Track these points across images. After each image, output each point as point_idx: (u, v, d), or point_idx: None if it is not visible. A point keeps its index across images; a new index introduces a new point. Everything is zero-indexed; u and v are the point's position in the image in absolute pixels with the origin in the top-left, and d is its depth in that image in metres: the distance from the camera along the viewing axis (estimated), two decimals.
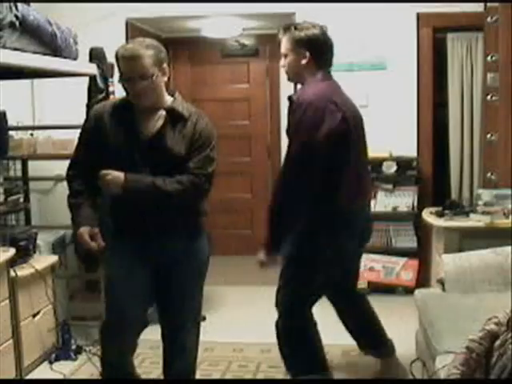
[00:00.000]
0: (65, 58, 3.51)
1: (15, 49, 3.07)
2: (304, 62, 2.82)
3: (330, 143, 2.67)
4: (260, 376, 3.44)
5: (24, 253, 3.50)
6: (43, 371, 3.50)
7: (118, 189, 2.45)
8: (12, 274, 3.29)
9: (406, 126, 4.89)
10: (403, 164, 4.82)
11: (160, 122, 2.51)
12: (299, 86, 2.97)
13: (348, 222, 2.85)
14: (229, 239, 6.01)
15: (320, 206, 2.80)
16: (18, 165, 4.33)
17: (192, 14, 5.14)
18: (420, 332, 3.18)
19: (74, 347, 3.70)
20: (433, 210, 4.23)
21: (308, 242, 2.84)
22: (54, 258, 3.80)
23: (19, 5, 3.07)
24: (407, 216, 4.84)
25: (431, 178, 4.99)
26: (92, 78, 3.90)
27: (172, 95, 2.59)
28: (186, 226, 2.60)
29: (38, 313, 3.55)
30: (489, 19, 4.23)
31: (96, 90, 3.91)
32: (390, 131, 4.70)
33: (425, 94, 4.94)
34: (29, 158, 4.24)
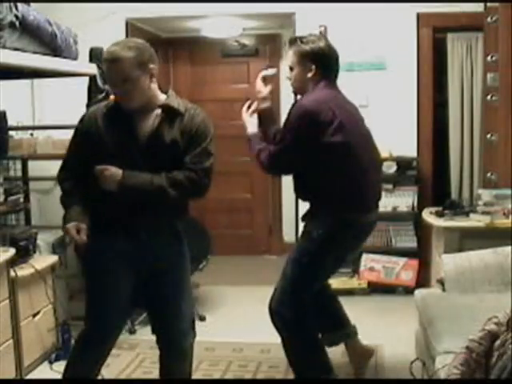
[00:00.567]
0: (65, 58, 3.51)
1: (15, 49, 3.08)
2: (310, 74, 2.88)
3: (321, 152, 2.74)
4: (260, 376, 3.44)
5: (24, 253, 3.50)
6: (43, 371, 3.49)
7: (116, 185, 2.42)
8: (12, 274, 3.29)
9: (406, 126, 4.89)
10: (403, 164, 4.81)
11: (157, 121, 2.49)
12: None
13: (355, 232, 2.92)
14: (229, 239, 6.01)
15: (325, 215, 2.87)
16: (18, 165, 4.33)
17: (192, 14, 5.14)
18: (420, 332, 3.18)
19: None
20: (433, 209, 4.23)
21: (316, 247, 2.88)
22: (53, 258, 3.80)
23: (19, 5, 3.07)
24: (407, 216, 4.85)
25: (431, 178, 5.00)
26: (92, 78, 3.90)
27: (165, 93, 2.57)
28: (172, 227, 2.59)
29: (38, 313, 3.55)
30: (489, 19, 4.23)
31: (96, 90, 3.91)
32: (390, 131, 4.69)
33: (425, 94, 4.94)
34: (29, 157, 4.25)
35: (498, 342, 1.88)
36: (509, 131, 4.10)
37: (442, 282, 3.30)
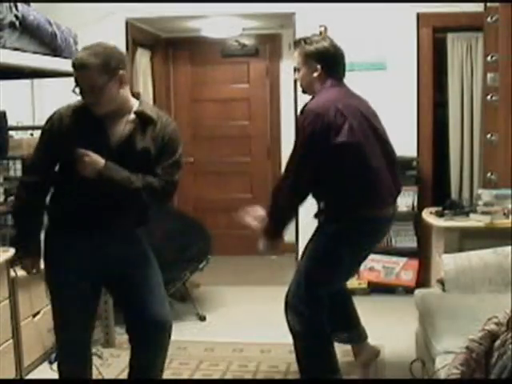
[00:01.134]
0: (65, 58, 3.50)
1: (15, 49, 3.08)
2: (315, 74, 2.91)
3: (331, 154, 2.75)
4: (260, 376, 3.44)
5: None
6: (43, 371, 3.49)
7: (95, 173, 2.37)
8: (12, 274, 3.29)
9: (406, 126, 4.89)
10: (403, 164, 4.79)
11: (128, 127, 2.46)
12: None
13: (371, 228, 2.91)
14: (229, 239, 6.00)
15: (337, 212, 2.89)
16: (18, 165, 4.32)
17: (192, 14, 5.14)
18: (420, 332, 3.18)
19: None
20: (433, 210, 4.22)
21: (331, 243, 2.89)
22: None
23: (19, 5, 3.08)
24: (407, 216, 4.84)
25: (431, 178, 5.00)
26: None
27: (137, 98, 2.55)
28: (130, 232, 2.59)
29: (37, 313, 3.55)
30: (489, 19, 4.23)
31: None
32: (390, 131, 4.67)
33: (425, 94, 4.94)
34: (29, 157, 4.24)
35: (498, 342, 1.88)
36: (509, 131, 4.11)
37: (442, 282, 3.30)
